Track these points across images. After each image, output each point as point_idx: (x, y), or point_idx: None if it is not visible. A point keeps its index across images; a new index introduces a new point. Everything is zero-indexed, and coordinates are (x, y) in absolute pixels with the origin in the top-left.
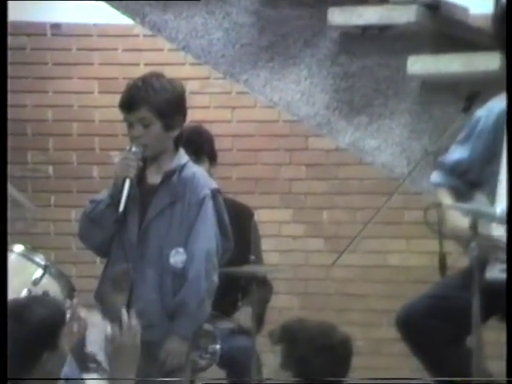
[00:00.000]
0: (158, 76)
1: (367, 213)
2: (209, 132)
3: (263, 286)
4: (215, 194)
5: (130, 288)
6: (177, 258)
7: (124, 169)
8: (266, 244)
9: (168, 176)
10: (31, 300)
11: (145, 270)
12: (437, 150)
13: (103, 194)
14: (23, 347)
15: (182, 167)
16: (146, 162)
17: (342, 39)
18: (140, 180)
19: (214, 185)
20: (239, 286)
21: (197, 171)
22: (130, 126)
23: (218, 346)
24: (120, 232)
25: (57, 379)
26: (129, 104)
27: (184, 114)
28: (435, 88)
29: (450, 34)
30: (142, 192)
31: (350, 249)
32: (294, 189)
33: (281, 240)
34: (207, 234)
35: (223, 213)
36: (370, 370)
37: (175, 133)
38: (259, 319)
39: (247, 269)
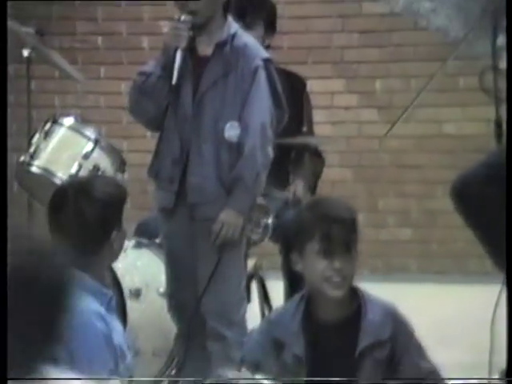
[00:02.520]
0: None
1: (422, 80)
2: (272, 0)
3: (315, 158)
4: (268, 63)
5: (186, 162)
6: (231, 131)
7: (175, 39)
8: (318, 115)
9: (219, 46)
10: (94, 179)
11: (200, 144)
12: (495, 8)
13: (152, 65)
14: (95, 225)
15: (233, 36)
16: (195, 31)
17: None
18: (190, 52)
19: (265, 54)
20: (290, 158)
21: (248, 41)
22: None
23: (270, 220)
24: (173, 105)
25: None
26: None
27: None
28: None
29: None
30: (194, 64)
31: (404, 118)
32: (347, 57)
33: (333, 111)
34: (262, 106)
35: (276, 82)
36: (425, 243)
37: None
38: (311, 192)
39: (299, 140)
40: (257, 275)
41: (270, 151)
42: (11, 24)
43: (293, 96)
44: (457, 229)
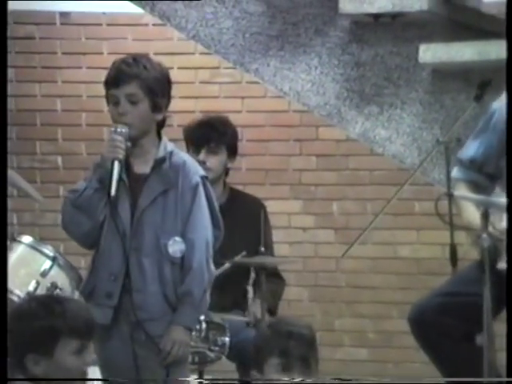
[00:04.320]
0: (147, 56)
1: (378, 204)
2: (234, 126)
3: (275, 279)
4: (205, 180)
5: (125, 277)
6: (175, 247)
7: (112, 150)
8: (275, 235)
9: (158, 164)
10: (30, 302)
11: (141, 260)
12: (448, 139)
13: (85, 182)
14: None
15: (171, 154)
16: (130, 149)
17: (353, 27)
18: (126, 169)
19: (202, 172)
20: (250, 278)
21: (187, 158)
22: (116, 102)
23: (227, 339)
24: (111, 219)
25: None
26: (118, 79)
27: (169, 99)
28: (447, 76)
29: (462, 21)
30: (130, 181)
31: (361, 240)
32: (304, 180)
33: (290, 231)
34: (204, 223)
35: (214, 201)
36: (381, 362)
37: (160, 116)
38: (272, 312)
39: (256, 260)
40: None
41: (213, 268)
42: None
43: (251, 218)
44: (412, 349)
